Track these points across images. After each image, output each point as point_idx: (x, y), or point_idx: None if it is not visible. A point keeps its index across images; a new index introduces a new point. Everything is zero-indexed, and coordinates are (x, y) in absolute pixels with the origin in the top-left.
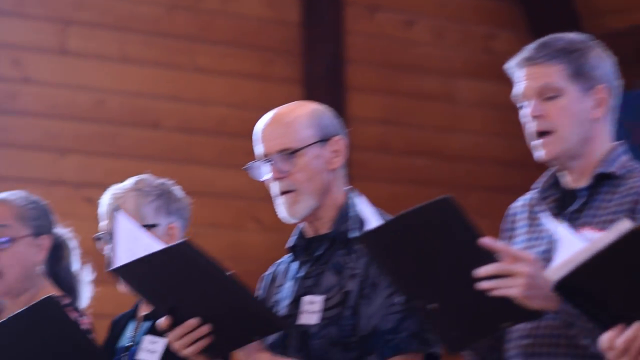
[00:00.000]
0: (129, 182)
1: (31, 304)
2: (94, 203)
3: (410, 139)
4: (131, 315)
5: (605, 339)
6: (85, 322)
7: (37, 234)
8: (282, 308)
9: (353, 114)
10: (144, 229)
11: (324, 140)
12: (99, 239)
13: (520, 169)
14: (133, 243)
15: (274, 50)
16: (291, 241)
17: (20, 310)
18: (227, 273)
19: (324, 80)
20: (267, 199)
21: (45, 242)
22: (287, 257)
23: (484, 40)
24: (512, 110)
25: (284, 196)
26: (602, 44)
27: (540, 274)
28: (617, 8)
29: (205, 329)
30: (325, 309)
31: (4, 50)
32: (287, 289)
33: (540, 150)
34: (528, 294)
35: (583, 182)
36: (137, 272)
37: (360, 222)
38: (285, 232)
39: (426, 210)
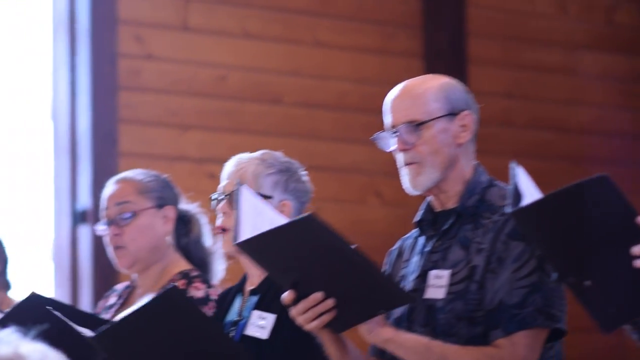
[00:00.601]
0: (257, 153)
1: (155, 295)
2: (216, 178)
3: (533, 113)
4: (238, 289)
5: None
6: (212, 294)
7: (160, 205)
8: (409, 282)
9: (475, 88)
10: (266, 203)
11: (452, 114)
12: (213, 199)
13: None
14: (257, 217)
15: (395, 24)
16: (418, 215)
17: (144, 302)
18: (353, 246)
19: (445, 54)
20: (388, 174)
21: (170, 213)
22: (414, 232)
23: (606, 12)
24: (635, 82)
25: (407, 167)
26: None
27: None
28: None
29: (329, 302)
30: (452, 284)
31: (127, 27)
32: (414, 263)
33: None
34: None
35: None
36: (261, 246)
37: (512, 196)
38: (407, 206)
39: (584, 187)
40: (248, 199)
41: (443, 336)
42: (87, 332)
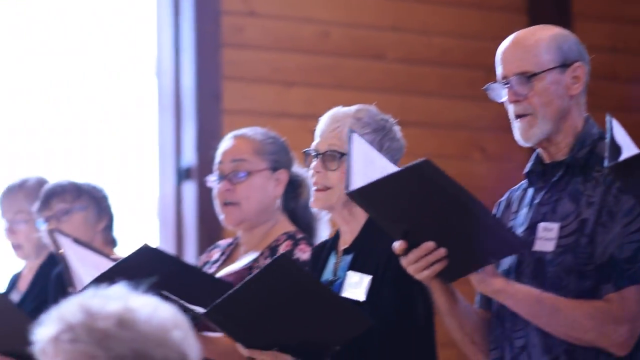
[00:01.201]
0: (352, 108)
1: (266, 264)
2: None
3: (637, 67)
4: (332, 245)
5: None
6: None
7: (275, 168)
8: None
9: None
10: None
11: (564, 65)
12: (307, 154)
13: None
14: (368, 165)
15: None
16: (527, 167)
17: (255, 273)
18: (467, 192)
19: (549, 8)
20: (492, 129)
21: (283, 176)
22: (522, 184)
23: None
24: None
25: (519, 120)
26: None
27: None
28: None
29: (441, 252)
30: (561, 237)
31: None
32: (523, 215)
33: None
34: None
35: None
36: (373, 194)
37: (609, 150)
38: (510, 161)
39: None
40: (359, 146)
41: (552, 289)
42: (197, 309)
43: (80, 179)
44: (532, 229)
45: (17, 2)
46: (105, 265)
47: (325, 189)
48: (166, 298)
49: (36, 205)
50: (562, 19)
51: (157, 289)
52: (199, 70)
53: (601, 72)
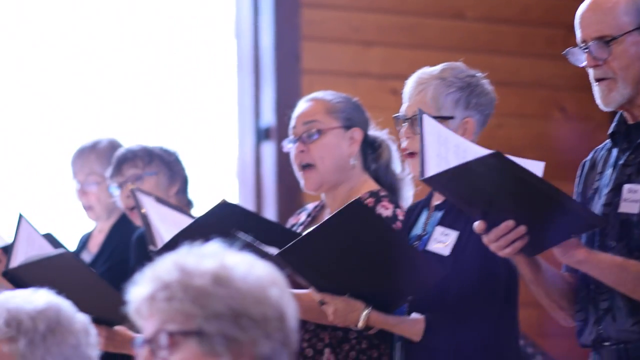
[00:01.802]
0: (436, 68)
1: (340, 208)
2: (398, 94)
3: None
4: (425, 203)
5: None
6: (400, 214)
7: (347, 126)
8: (602, 196)
9: None
10: (447, 129)
11: None
12: (397, 119)
13: None
14: (441, 145)
15: None
16: (611, 127)
17: (330, 216)
18: (538, 178)
19: None
20: (572, 88)
21: (357, 135)
22: (607, 143)
23: None
24: None
25: (599, 84)
26: None
27: None
28: None
29: (521, 229)
30: None
31: None
32: (607, 176)
33: None
34: None
35: None
36: (447, 180)
37: None
38: (590, 121)
39: None
40: (430, 127)
41: (638, 252)
42: (271, 250)
43: (153, 142)
44: (616, 190)
45: None
46: (186, 222)
47: (415, 154)
48: (241, 240)
49: (109, 171)
50: None
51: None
52: (278, 31)
53: None
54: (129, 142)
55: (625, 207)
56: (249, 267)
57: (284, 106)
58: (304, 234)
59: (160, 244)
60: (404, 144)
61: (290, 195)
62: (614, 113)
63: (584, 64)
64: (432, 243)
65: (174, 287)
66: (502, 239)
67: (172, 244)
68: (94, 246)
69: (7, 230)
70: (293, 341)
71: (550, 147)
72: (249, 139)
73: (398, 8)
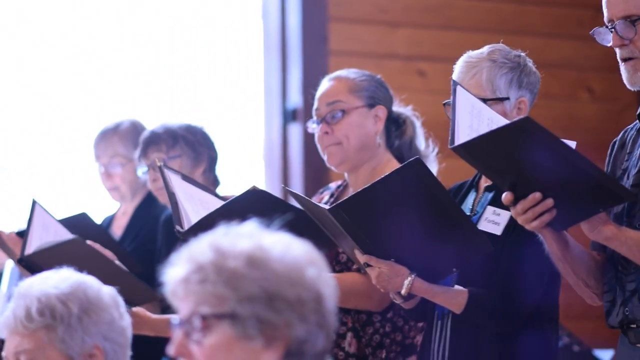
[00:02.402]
0: (483, 50)
1: (400, 166)
2: (425, 75)
3: None
4: (472, 184)
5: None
6: None
7: (371, 104)
8: (631, 176)
9: None
10: (482, 102)
11: None
12: (448, 105)
13: None
14: (474, 117)
15: None
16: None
17: (386, 174)
18: (570, 148)
19: None
20: (599, 69)
21: (381, 113)
22: (636, 123)
23: None
24: None
25: (625, 63)
26: None
27: None
28: None
29: (548, 202)
30: None
31: None
32: (636, 157)
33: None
34: None
35: None
36: (476, 149)
37: None
38: (618, 102)
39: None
40: (464, 99)
41: None
42: (324, 206)
43: (178, 121)
44: None
45: None
46: (213, 202)
47: None
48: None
49: (137, 153)
50: None
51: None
52: (305, 11)
53: None
54: (153, 124)
55: None
56: (285, 248)
57: (311, 87)
58: (359, 190)
59: (186, 225)
60: None
61: (317, 176)
62: None
63: (611, 43)
64: (483, 223)
65: (207, 269)
66: (529, 212)
67: (199, 227)
68: (118, 228)
69: (23, 216)
70: (330, 323)
71: (577, 128)
72: (276, 120)
73: None
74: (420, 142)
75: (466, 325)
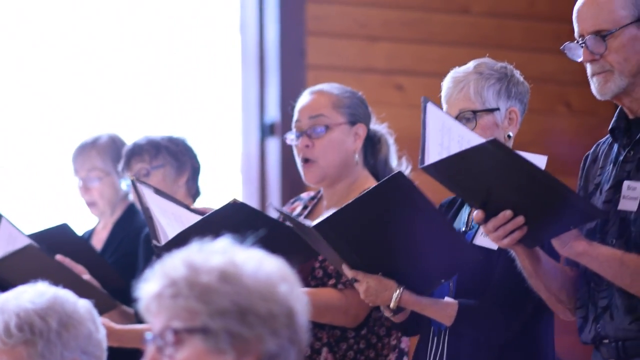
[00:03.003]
0: (469, 65)
1: (383, 180)
2: (404, 90)
3: None
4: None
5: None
6: None
7: (353, 122)
8: (603, 192)
9: None
10: (452, 119)
11: None
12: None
13: None
14: (445, 134)
15: None
16: (611, 123)
17: (368, 189)
18: (537, 168)
19: None
20: (578, 83)
21: (361, 130)
22: (609, 137)
23: None
24: None
25: (596, 77)
26: None
27: None
28: None
29: (519, 220)
30: None
31: None
32: (608, 172)
33: None
34: None
35: None
36: (447, 168)
37: None
38: (595, 116)
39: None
40: (434, 116)
41: (636, 249)
42: (307, 222)
43: (160, 132)
44: (616, 187)
45: None
46: (186, 216)
47: None
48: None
49: (120, 166)
50: None
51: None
52: (283, 25)
53: None
54: (133, 138)
55: (624, 205)
56: (258, 264)
57: (289, 102)
58: (343, 205)
59: (162, 239)
60: None
61: (294, 190)
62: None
63: (581, 59)
64: (479, 237)
65: (180, 284)
66: (500, 229)
67: (178, 240)
68: (98, 242)
69: None
70: (302, 338)
71: (555, 142)
72: (254, 134)
73: (403, 3)
74: (393, 160)
75: (464, 341)
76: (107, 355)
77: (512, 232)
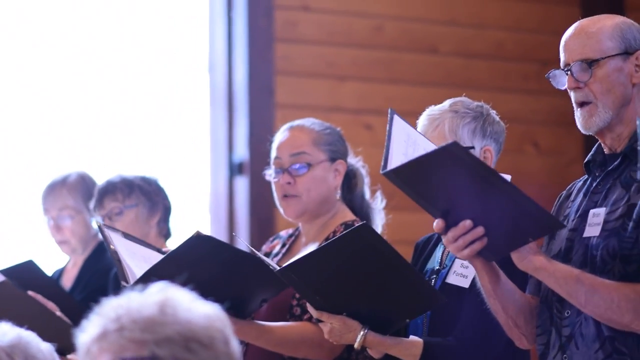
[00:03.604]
0: (445, 104)
1: (347, 231)
2: (373, 129)
3: None
4: (439, 237)
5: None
6: None
7: (333, 159)
8: (570, 222)
9: None
10: (418, 132)
11: (627, 53)
12: None
13: None
14: (410, 146)
15: None
16: (588, 156)
17: (335, 238)
18: (497, 174)
19: (602, 1)
20: (545, 123)
21: (341, 167)
22: (584, 176)
23: None
24: None
25: (581, 109)
26: None
27: None
28: None
29: (479, 230)
30: (608, 221)
31: None
32: (577, 203)
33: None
34: None
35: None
36: (408, 174)
37: None
38: (563, 155)
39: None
40: (400, 128)
41: (598, 274)
42: (272, 264)
43: (133, 172)
44: (584, 216)
45: None
46: (155, 258)
47: None
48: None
49: (92, 204)
50: (615, 12)
51: (213, 275)
52: (252, 65)
53: None
54: (101, 175)
55: (589, 232)
56: (192, 300)
57: (258, 141)
58: (306, 253)
59: (131, 279)
60: None
61: (262, 229)
62: (588, 148)
63: (565, 86)
64: (451, 276)
65: (123, 319)
66: (460, 239)
67: (146, 279)
68: (68, 281)
69: None
70: None
71: (524, 182)
72: (222, 173)
73: (371, 42)
74: (367, 193)
75: None
76: None
77: (471, 242)
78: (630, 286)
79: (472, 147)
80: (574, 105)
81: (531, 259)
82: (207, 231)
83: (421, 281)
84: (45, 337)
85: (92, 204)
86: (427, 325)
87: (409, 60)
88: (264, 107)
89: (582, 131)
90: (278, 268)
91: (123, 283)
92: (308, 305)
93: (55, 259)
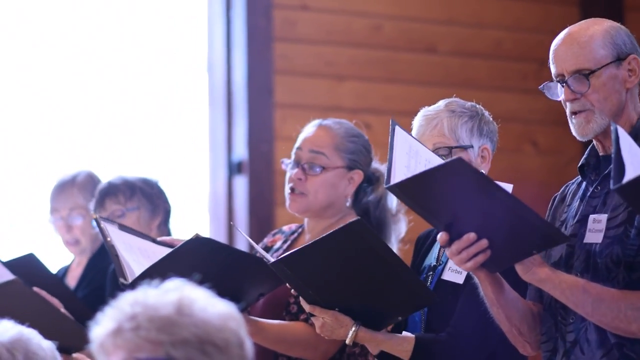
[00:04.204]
0: (439, 104)
1: (341, 226)
2: (371, 128)
3: None
4: (437, 233)
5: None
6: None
7: (351, 167)
8: (569, 227)
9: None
10: (420, 143)
11: (619, 59)
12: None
13: None
14: (412, 157)
15: None
16: (582, 160)
17: (328, 233)
18: (501, 188)
19: (601, 1)
20: (544, 122)
21: (357, 177)
22: (578, 178)
23: None
24: None
25: (576, 116)
26: None
27: None
28: None
29: (483, 243)
30: (610, 228)
31: None
32: (574, 208)
33: None
34: None
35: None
36: (412, 188)
37: (615, 167)
38: (562, 155)
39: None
40: (402, 140)
41: (602, 281)
42: (267, 257)
43: (134, 173)
44: (583, 221)
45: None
46: (152, 249)
47: None
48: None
49: (92, 205)
50: (614, 12)
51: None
52: (251, 65)
53: None
54: (102, 176)
55: (590, 238)
56: (208, 300)
57: (256, 140)
58: (301, 246)
59: (129, 276)
60: None
61: (261, 229)
62: (586, 147)
63: (560, 98)
64: (447, 272)
65: (139, 317)
66: (464, 252)
67: (144, 278)
68: (72, 279)
69: None
70: None
71: (522, 181)
72: (221, 173)
73: (371, 42)
74: (391, 201)
75: None
76: None
77: (475, 255)
78: (636, 294)
79: (471, 146)
80: (567, 114)
81: (536, 270)
82: (206, 231)
83: (414, 279)
84: (51, 336)
85: (92, 205)
86: (425, 322)
87: (408, 59)
88: (263, 106)
89: (579, 138)
90: (271, 262)
91: (121, 280)
92: (301, 299)
93: (55, 258)
